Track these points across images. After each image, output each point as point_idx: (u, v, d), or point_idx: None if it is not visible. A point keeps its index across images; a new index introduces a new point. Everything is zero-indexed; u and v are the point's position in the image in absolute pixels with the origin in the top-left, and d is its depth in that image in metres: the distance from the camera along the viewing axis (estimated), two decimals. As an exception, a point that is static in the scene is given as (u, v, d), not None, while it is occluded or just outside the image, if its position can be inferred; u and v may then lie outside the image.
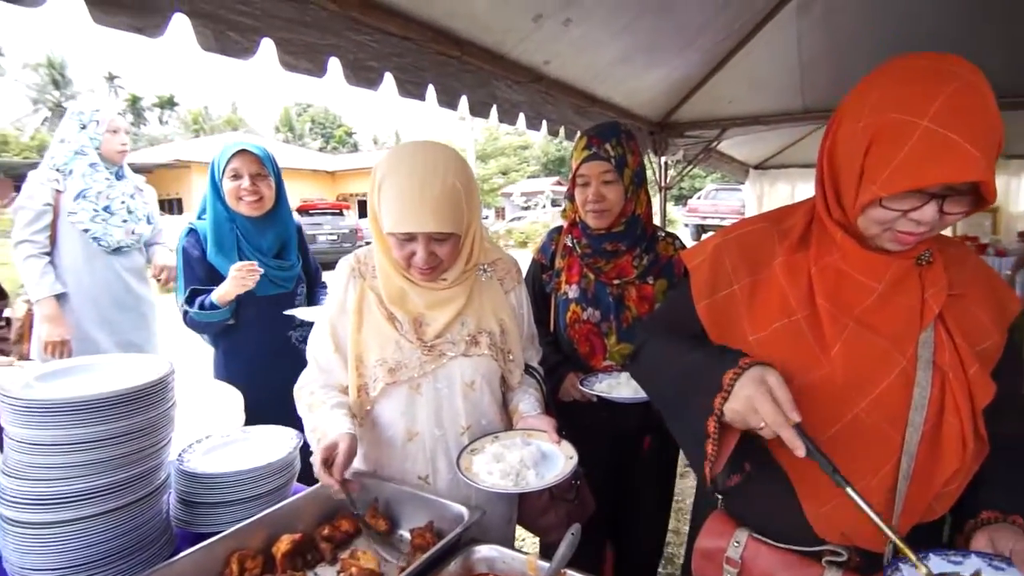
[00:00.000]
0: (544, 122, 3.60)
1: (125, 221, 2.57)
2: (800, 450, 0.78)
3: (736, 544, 1.00)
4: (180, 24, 1.66)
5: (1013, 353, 0.95)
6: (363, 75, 2.20)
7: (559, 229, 1.79)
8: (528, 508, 1.44)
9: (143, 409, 1.00)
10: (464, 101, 2.92)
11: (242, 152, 1.99)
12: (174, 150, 23.76)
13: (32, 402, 0.93)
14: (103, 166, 2.52)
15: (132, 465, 0.99)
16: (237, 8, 1.78)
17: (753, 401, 0.80)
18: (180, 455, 1.23)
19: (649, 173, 5.34)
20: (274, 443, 1.31)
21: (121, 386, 0.97)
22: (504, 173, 28.35)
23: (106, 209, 2.50)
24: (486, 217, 29.14)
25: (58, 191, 2.44)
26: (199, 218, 2.09)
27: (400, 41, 2.36)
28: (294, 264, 2.17)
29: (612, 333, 1.67)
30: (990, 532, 0.84)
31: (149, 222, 2.73)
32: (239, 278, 1.89)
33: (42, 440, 0.93)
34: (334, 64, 2.09)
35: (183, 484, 1.18)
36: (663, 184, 5.24)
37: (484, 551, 1.02)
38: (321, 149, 42.25)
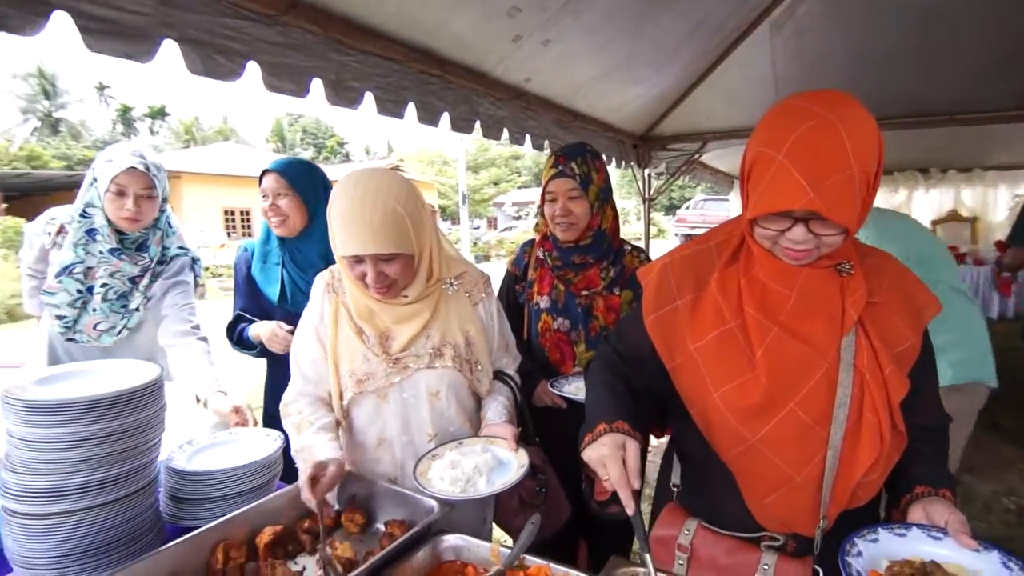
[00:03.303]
0: (528, 136, 3.71)
1: (115, 313, 1.83)
2: (630, 510, 0.91)
3: (687, 532, 1.10)
4: (169, 49, 1.75)
5: (929, 352, 1.06)
6: (344, 95, 2.30)
7: (532, 242, 1.89)
8: (500, 511, 1.53)
9: (134, 410, 1.08)
10: (446, 117, 3.02)
11: (267, 172, 1.98)
12: (164, 160, 23.69)
13: (32, 403, 1.01)
14: (106, 236, 1.78)
15: (124, 462, 1.07)
16: (224, 33, 1.87)
17: (604, 460, 0.94)
18: (170, 455, 1.31)
19: (633, 185, 5.48)
20: (259, 444, 1.40)
21: (114, 389, 1.06)
22: (496, 183, 28.57)
23: (89, 290, 1.79)
24: (477, 227, 29.23)
25: (46, 248, 1.84)
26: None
27: (382, 61, 2.46)
28: None
29: (581, 341, 1.76)
30: (924, 505, 0.95)
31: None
32: (271, 338, 1.85)
33: (41, 438, 1.00)
34: (316, 84, 2.19)
35: (172, 481, 1.26)
36: (646, 195, 5.36)
37: (451, 540, 1.11)
38: (313, 159, 42.24)
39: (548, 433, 1.70)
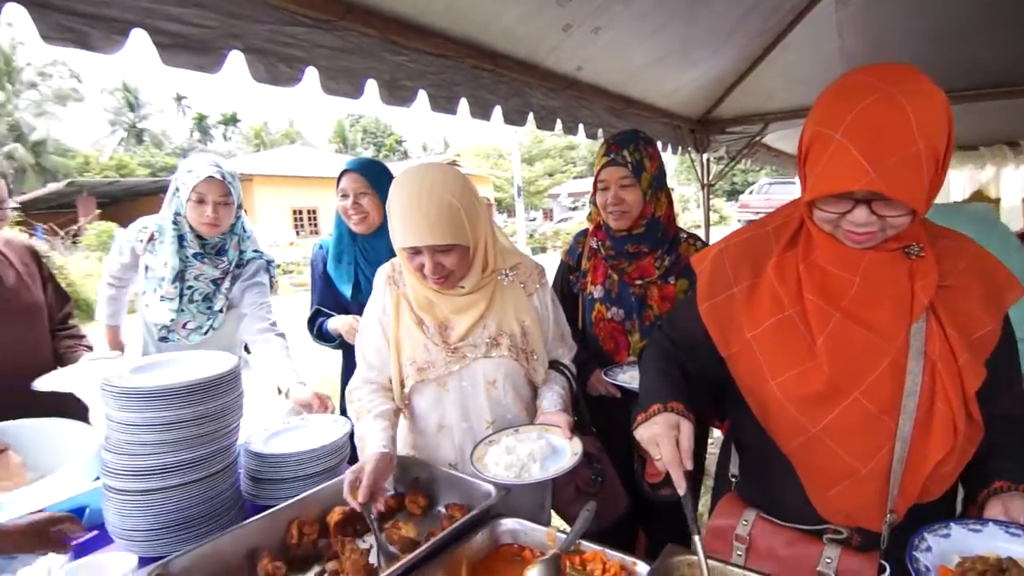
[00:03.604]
0: (581, 126, 3.69)
1: (201, 313, 1.99)
2: (681, 490, 0.91)
3: (745, 522, 1.08)
4: (235, 59, 1.86)
5: (1010, 338, 0.99)
6: (397, 94, 2.36)
7: (585, 232, 1.89)
8: (557, 499, 1.56)
9: (215, 396, 1.18)
10: (498, 111, 3.05)
11: (347, 171, 2.04)
12: (236, 164, 25.19)
13: (128, 390, 1.12)
14: (191, 241, 1.94)
15: (207, 444, 1.17)
16: (285, 41, 1.97)
17: (657, 439, 0.94)
18: (248, 439, 1.41)
19: (692, 171, 5.33)
20: (328, 430, 1.48)
21: (197, 377, 1.15)
22: (550, 175, 28.42)
23: (180, 294, 1.96)
24: (533, 219, 29.20)
25: (137, 254, 2.03)
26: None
27: (434, 59, 2.50)
28: None
29: (635, 331, 1.75)
30: (1003, 500, 0.90)
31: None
32: (349, 331, 1.92)
33: (135, 421, 1.11)
34: (371, 85, 2.26)
35: (250, 463, 1.36)
36: (705, 181, 5.21)
37: (509, 524, 1.14)
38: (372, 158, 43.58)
39: (603, 423, 1.70)
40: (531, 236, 21.15)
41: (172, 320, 1.94)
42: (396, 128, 52.22)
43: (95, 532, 1.21)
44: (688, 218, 18.88)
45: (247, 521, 1.13)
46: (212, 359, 1.29)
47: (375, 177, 2.04)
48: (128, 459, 1.12)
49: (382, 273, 1.49)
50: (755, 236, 1.09)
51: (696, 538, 0.90)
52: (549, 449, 1.29)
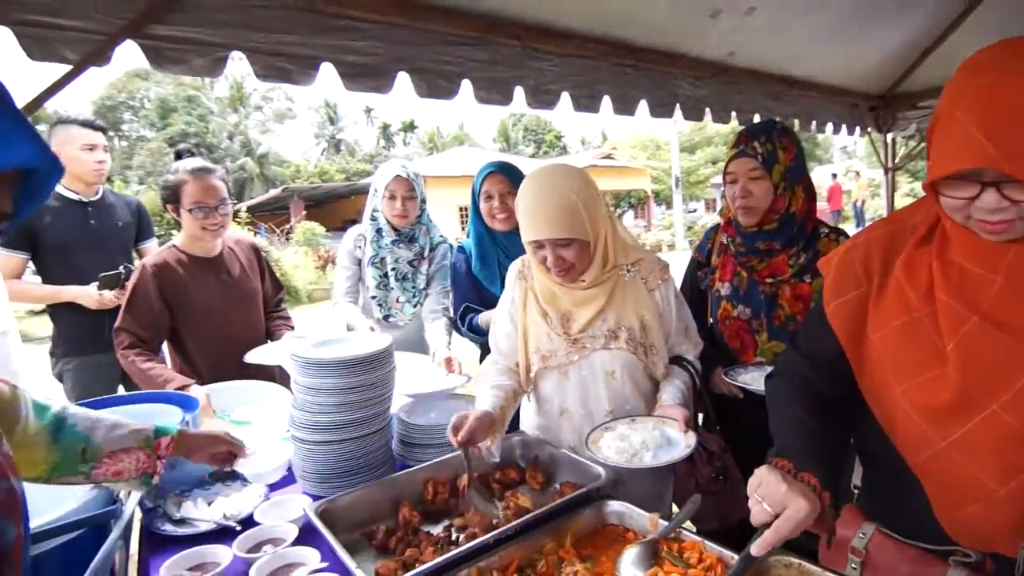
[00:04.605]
0: (733, 113, 3.51)
1: (406, 291, 2.37)
2: (754, 551, 0.86)
3: (862, 536, 1.03)
4: (402, 80, 2.15)
5: None
6: (543, 98, 2.51)
7: (716, 227, 1.84)
8: (678, 493, 1.59)
9: (373, 369, 1.42)
10: (644, 105, 3.04)
11: (491, 174, 2.16)
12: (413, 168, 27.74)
13: (311, 360, 1.40)
14: (387, 231, 2.33)
15: (366, 408, 1.42)
16: (444, 60, 2.21)
17: (763, 498, 0.88)
18: (400, 408, 1.66)
19: (872, 152, 4.71)
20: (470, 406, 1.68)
21: (357, 352, 1.41)
22: (713, 163, 26.68)
23: (385, 276, 2.36)
24: (693, 210, 27.73)
25: (358, 258, 2.40)
26: (469, 236, 2.31)
27: (577, 60, 2.60)
28: None
29: (763, 330, 1.67)
30: None
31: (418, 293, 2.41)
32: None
33: (317, 386, 1.39)
34: (518, 92, 2.43)
35: (401, 429, 1.60)
36: (890, 165, 4.58)
37: (615, 506, 1.21)
38: (533, 155, 44.80)
39: (731, 423, 1.67)
40: (689, 228, 20.09)
41: (376, 298, 2.34)
42: (555, 124, 53.08)
43: (285, 473, 1.53)
44: (879, 204, 16.49)
45: (394, 475, 1.36)
46: (374, 340, 1.54)
47: (517, 177, 2.15)
48: (310, 415, 1.40)
49: (513, 268, 1.63)
50: (891, 231, 1.01)
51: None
52: (663, 440, 1.33)
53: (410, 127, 52.47)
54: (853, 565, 1.01)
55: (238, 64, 1.84)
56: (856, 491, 1.10)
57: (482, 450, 1.37)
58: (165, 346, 2.12)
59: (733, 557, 1.00)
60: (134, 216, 2.73)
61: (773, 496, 0.86)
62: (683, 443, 1.31)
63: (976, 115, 0.77)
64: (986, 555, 0.89)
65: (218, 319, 2.09)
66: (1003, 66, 0.77)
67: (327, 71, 1.98)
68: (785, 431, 1.01)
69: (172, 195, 2.01)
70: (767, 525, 0.86)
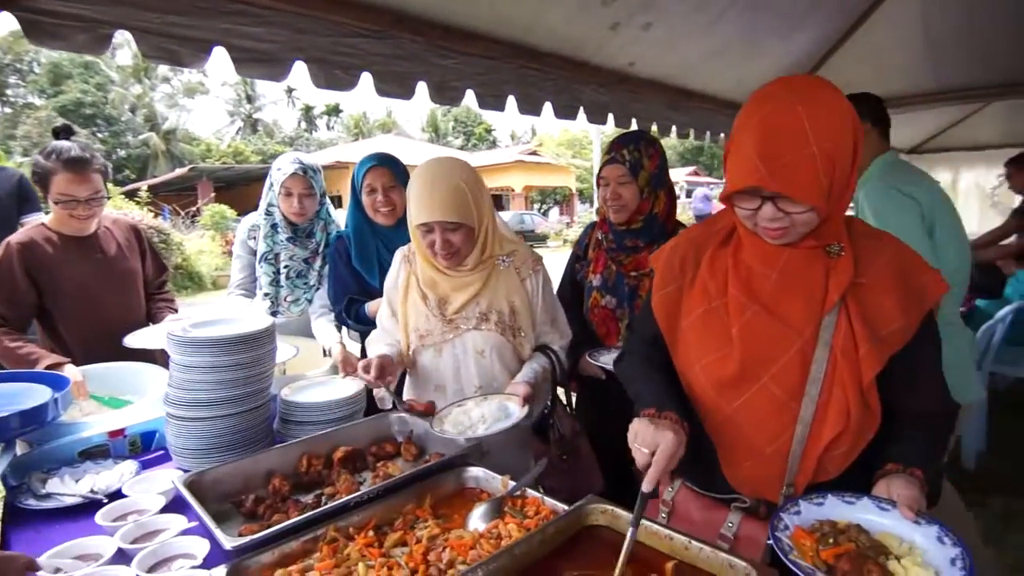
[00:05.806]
0: (634, 120, 3.74)
1: (298, 288, 2.37)
2: (644, 487, 0.94)
3: (670, 489, 1.22)
4: (299, 68, 2.16)
5: (929, 337, 1.04)
6: (447, 94, 2.58)
7: (593, 224, 2.03)
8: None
9: (250, 348, 1.46)
10: (548, 107, 3.19)
11: (373, 167, 2.13)
12: (337, 152, 26.91)
13: (186, 339, 1.42)
14: (283, 227, 2.30)
15: (246, 385, 1.46)
16: (343, 51, 2.24)
17: (641, 443, 0.97)
18: (283, 389, 1.71)
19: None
20: (347, 386, 1.75)
21: (236, 332, 1.45)
22: (636, 165, 27.78)
23: (278, 272, 2.34)
24: (617, 210, 28.67)
25: (252, 248, 2.38)
26: (347, 225, 2.26)
27: (481, 60, 2.70)
28: None
29: (625, 318, 1.88)
30: (888, 480, 0.96)
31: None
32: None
33: (192, 364, 1.42)
34: (421, 87, 2.49)
35: (282, 407, 1.65)
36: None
37: (474, 471, 1.33)
38: (462, 146, 44.66)
39: (598, 405, 1.85)
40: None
41: (268, 295, 2.32)
42: (486, 117, 53.09)
43: (161, 451, 1.55)
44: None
45: (270, 448, 1.41)
46: (254, 320, 1.58)
47: (400, 171, 2.16)
48: (184, 392, 1.43)
49: (399, 254, 1.73)
50: (704, 233, 1.20)
51: (631, 530, 0.93)
52: (502, 413, 1.45)
53: (335, 111, 50.67)
54: (663, 514, 1.19)
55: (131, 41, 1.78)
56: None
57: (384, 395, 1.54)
58: (37, 327, 2.04)
59: (564, 509, 1.15)
60: (15, 189, 2.56)
61: (646, 438, 0.97)
62: (516, 416, 1.43)
63: (754, 140, 0.94)
64: (760, 501, 1.09)
65: (90, 300, 2.04)
66: (777, 98, 0.94)
67: (219, 55, 1.95)
68: (642, 390, 1.14)
69: (41, 181, 1.93)
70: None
